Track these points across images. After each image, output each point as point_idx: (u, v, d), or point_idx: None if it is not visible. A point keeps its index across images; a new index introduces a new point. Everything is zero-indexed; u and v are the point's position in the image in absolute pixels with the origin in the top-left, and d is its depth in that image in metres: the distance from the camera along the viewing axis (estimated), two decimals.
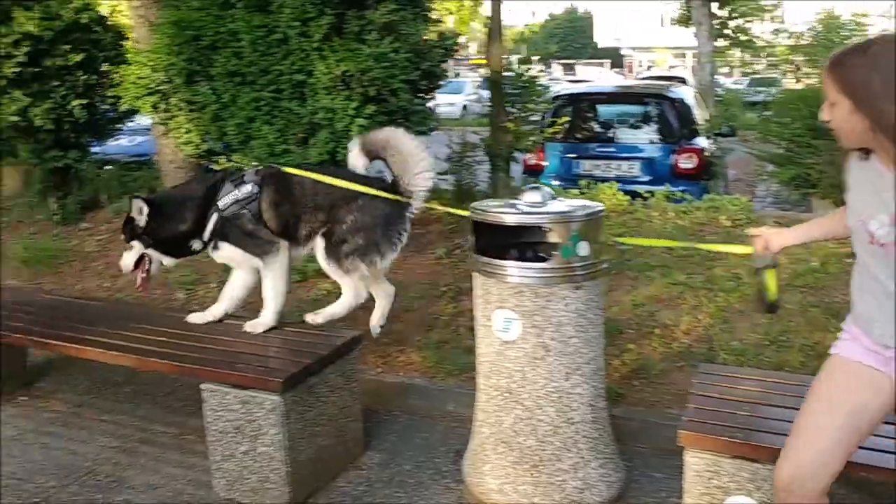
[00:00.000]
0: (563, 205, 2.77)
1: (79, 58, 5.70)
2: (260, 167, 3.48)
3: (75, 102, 5.75)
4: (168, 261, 3.39)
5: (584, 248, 2.61)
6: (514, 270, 2.65)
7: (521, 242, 2.80)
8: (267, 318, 3.30)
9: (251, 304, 3.51)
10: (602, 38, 55.29)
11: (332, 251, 3.24)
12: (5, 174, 7.07)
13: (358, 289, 3.29)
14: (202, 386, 2.93)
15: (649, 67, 40.78)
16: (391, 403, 3.75)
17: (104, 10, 5.98)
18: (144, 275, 3.37)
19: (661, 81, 13.88)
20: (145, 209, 3.23)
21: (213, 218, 3.24)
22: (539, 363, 2.67)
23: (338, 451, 3.15)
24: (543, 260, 2.69)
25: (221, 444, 2.94)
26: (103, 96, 5.93)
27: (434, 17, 4.99)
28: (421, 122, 4.62)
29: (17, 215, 6.60)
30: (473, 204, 2.86)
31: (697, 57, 15.08)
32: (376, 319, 3.42)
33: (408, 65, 4.28)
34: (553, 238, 2.71)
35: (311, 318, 3.32)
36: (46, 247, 5.93)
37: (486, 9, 13.92)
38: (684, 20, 18.04)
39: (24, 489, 3.14)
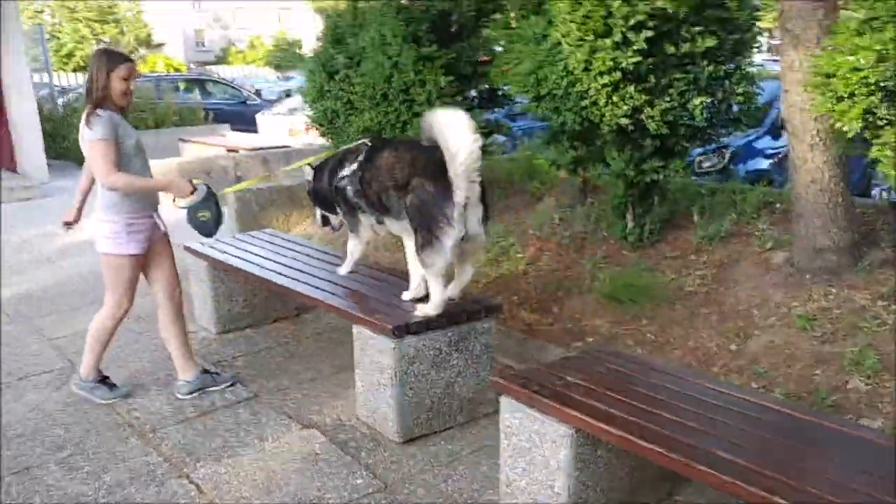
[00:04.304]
0: None
1: (710, 42, 4.36)
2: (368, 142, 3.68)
3: (697, 101, 4.43)
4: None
5: None
6: None
7: None
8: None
9: None
10: None
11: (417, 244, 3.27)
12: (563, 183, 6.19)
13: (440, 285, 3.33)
14: None
15: None
16: None
17: None
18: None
19: None
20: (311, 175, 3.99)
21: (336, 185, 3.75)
22: None
23: None
24: None
25: None
26: (727, 92, 4.56)
27: None
28: None
29: (577, 230, 5.64)
30: None
31: None
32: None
33: None
34: None
35: None
36: (633, 280, 4.79)
37: None
38: None
39: None
